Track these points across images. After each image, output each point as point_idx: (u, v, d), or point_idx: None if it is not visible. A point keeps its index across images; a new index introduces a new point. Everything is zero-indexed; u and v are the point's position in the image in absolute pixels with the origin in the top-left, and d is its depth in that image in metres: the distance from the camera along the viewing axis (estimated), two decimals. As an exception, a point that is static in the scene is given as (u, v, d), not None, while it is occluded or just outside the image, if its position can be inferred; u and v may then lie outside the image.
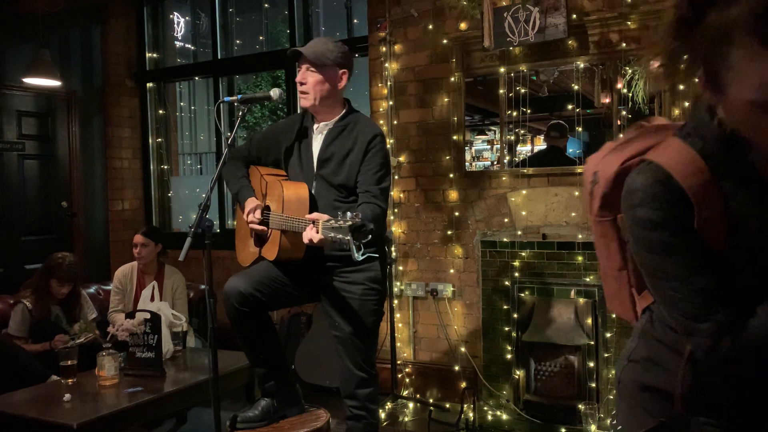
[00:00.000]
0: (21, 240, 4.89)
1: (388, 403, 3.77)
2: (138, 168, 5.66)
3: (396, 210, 4.06)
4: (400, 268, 4.05)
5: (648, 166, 0.97)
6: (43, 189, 5.06)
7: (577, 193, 3.48)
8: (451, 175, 3.87)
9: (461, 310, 3.88)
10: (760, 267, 0.93)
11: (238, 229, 2.52)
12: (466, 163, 3.89)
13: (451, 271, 3.89)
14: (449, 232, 3.89)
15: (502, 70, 3.69)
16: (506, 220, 3.70)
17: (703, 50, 0.91)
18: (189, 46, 6.44)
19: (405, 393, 3.95)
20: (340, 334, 2.27)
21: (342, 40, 4.67)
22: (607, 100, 3.47)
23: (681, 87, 1.03)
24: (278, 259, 2.23)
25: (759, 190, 0.93)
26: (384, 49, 4.03)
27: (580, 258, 3.34)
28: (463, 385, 3.71)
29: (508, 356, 3.57)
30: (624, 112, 3.37)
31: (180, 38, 6.38)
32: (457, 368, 3.83)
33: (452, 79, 3.84)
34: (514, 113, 3.67)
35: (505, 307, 3.59)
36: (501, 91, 3.71)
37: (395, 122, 4.04)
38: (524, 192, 3.65)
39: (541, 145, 3.82)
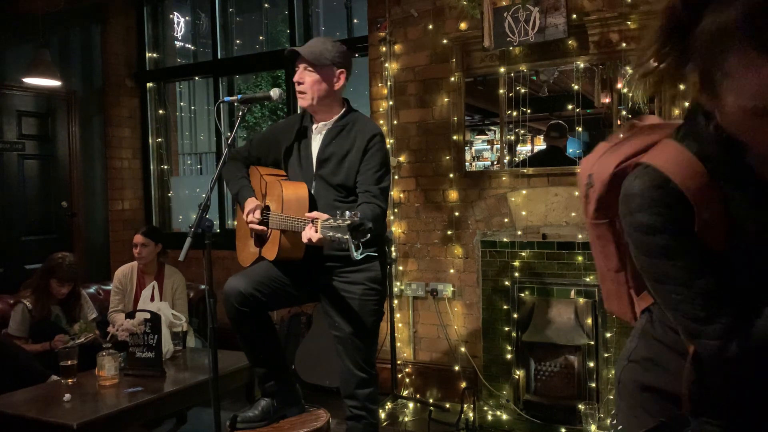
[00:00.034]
0: (21, 240, 4.89)
1: (388, 403, 3.77)
2: (138, 168, 5.66)
3: (396, 210, 4.06)
4: (400, 268, 4.05)
5: (645, 170, 0.96)
6: (43, 189, 5.06)
7: (577, 193, 3.48)
8: (451, 175, 3.87)
9: (461, 310, 3.88)
10: (759, 268, 0.93)
11: (239, 230, 2.52)
12: (466, 163, 3.89)
13: (451, 271, 3.89)
14: (449, 232, 3.89)
15: (502, 70, 3.69)
16: (506, 220, 3.70)
17: (699, 55, 0.90)
18: (189, 46, 6.44)
19: (405, 393, 3.95)
20: (340, 334, 2.27)
21: (342, 40, 4.67)
22: (607, 100, 3.47)
23: (681, 87, 1.01)
24: (278, 259, 2.23)
25: (757, 191, 0.93)
26: (384, 49, 4.03)
27: (580, 258, 3.34)
28: (463, 385, 3.71)
29: (508, 356, 3.57)
30: (624, 112, 3.37)
31: (180, 38, 6.38)
32: (457, 368, 3.83)
33: (452, 79, 3.84)
34: (514, 113, 3.67)
35: (505, 307, 3.59)
36: (501, 91, 3.71)
37: (395, 122, 4.04)
38: (524, 192, 3.65)
39: (541, 145, 3.82)
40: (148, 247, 3.74)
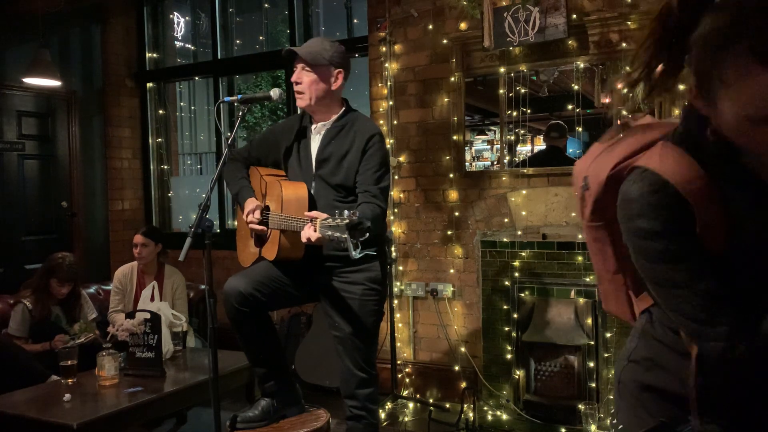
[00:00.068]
0: (21, 240, 4.89)
1: (388, 403, 3.77)
2: (138, 168, 5.66)
3: (396, 210, 4.06)
4: (400, 268, 4.05)
5: (642, 174, 0.95)
6: (43, 189, 5.06)
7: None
8: (451, 175, 3.87)
9: (461, 310, 3.88)
10: (758, 269, 0.93)
11: (239, 230, 2.52)
12: (466, 163, 3.89)
13: (451, 271, 3.89)
14: (449, 232, 3.89)
15: (502, 70, 3.69)
16: (506, 220, 3.70)
17: (694, 61, 0.89)
18: (189, 46, 6.44)
19: (405, 393, 3.96)
20: (340, 334, 2.27)
21: (342, 40, 4.68)
22: (607, 100, 3.46)
23: (681, 87, 1.00)
24: (278, 259, 2.23)
25: (756, 192, 0.92)
26: (384, 49, 4.03)
27: (580, 258, 3.34)
28: (463, 385, 3.71)
29: (508, 356, 3.57)
30: (624, 112, 3.37)
31: (180, 38, 6.38)
32: (457, 368, 3.83)
33: (452, 79, 3.84)
34: (514, 113, 3.67)
35: (505, 307, 3.59)
36: (501, 91, 3.71)
37: (395, 122, 4.04)
38: (524, 192, 3.65)
39: (540, 145, 3.82)
40: (148, 247, 3.74)
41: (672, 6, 0.90)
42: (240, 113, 2.26)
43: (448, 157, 3.88)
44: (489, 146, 4.00)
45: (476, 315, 3.76)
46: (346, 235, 1.76)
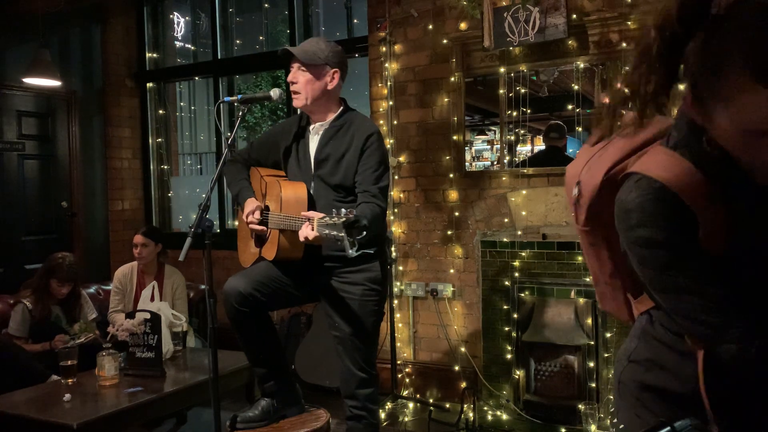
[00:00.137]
0: (21, 240, 4.89)
1: (388, 403, 3.77)
2: (138, 168, 5.66)
3: (396, 210, 4.06)
4: (400, 268, 4.05)
5: (639, 182, 0.93)
6: (43, 189, 5.06)
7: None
8: (451, 175, 3.87)
9: (461, 310, 3.88)
10: (759, 269, 0.93)
11: (240, 230, 2.52)
12: (466, 163, 3.89)
13: (451, 271, 3.89)
14: (449, 232, 3.89)
15: (502, 70, 3.69)
16: (506, 220, 3.70)
17: (690, 73, 0.88)
18: (189, 46, 6.44)
19: (405, 393, 3.96)
20: (340, 334, 2.27)
21: (342, 40, 4.68)
22: (607, 100, 3.46)
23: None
24: (277, 259, 2.23)
25: (755, 193, 0.92)
26: (384, 49, 4.03)
27: (580, 258, 3.34)
28: (463, 385, 3.71)
29: (508, 356, 3.57)
30: (624, 112, 3.36)
31: (180, 38, 6.39)
32: (457, 368, 3.83)
33: (452, 79, 3.84)
34: (514, 113, 3.67)
35: (505, 307, 3.59)
36: (501, 91, 3.71)
37: (395, 122, 4.04)
38: (524, 192, 3.65)
39: (540, 145, 3.82)
40: (148, 247, 3.74)
41: (671, 18, 0.88)
42: (240, 113, 2.26)
43: (448, 157, 3.88)
44: (489, 146, 4.00)
45: (476, 315, 3.76)
46: (342, 234, 1.76)
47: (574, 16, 3.42)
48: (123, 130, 5.55)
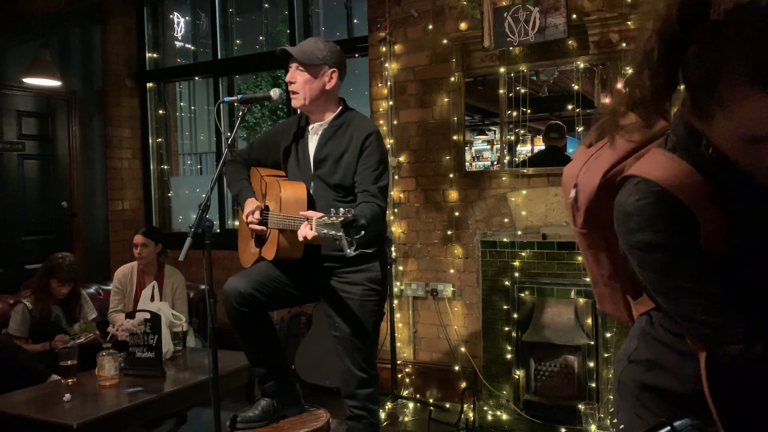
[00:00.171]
0: (21, 240, 4.89)
1: (388, 403, 3.77)
2: (138, 168, 5.66)
3: (396, 210, 4.06)
4: (400, 268, 4.05)
5: (638, 185, 0.92)
6: (43, 189, 5.06)
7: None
8: (451, 175, 3.87)
9: (461, 310, 3.88)
10: (759, 270, 0.93)
11: (240, 231, 2.52)
12: (466, 163, 3.89)
13: (451, 271, 3.89)
14: (449, 232, 3.89)
15: (502, 70, 3.69)
16: (506, 220, 3.70)
17: (690, 77, 0.88)
18: (189, 46, 6.44)
19: (405, 393, 3.96)
20: (340, 334, 2.26)
21: (342, 40, 4.68)
22: (607, 100, 3.46)
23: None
24: (277, 259, 2.23)
25: (755, 193, 0.92)
26: (384, 49, 4.03)
27: (580, 258, 3.34)
28: (463, 385, 3.71)
29: (508, 356, 3.57)
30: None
31: (180, 38, 6.38)
32: (457, 368, 3.83)
33: (452, 79, 3.84)
34: (514, 113, 3.67)
35: (505, 307, 3.59)
36: (501, 91, 3.71)
37: (395, 122, 4.04)
38: (524, 192, 3.65)
39: (540, 145, 3.82)
40: (148, 247, 3.74)
41: (672, 20, 0.88)
42: (240, 113, 2.26)
43: (448, 157, 3.88)
44: (489, 146, 4.00)
45: (476, 315, 3.76)
46: (341, 233, 1.76)
47: (574, 16, 3.42)
48: (123, 130, 5.55)
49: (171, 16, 6.02)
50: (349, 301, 2.24)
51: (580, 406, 3.32)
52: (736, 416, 0.98)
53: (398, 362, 3.94)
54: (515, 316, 3.56)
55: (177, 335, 3.26)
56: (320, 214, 1.89)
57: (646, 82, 0.91)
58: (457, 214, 3.85)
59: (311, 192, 2.27)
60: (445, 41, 3.82)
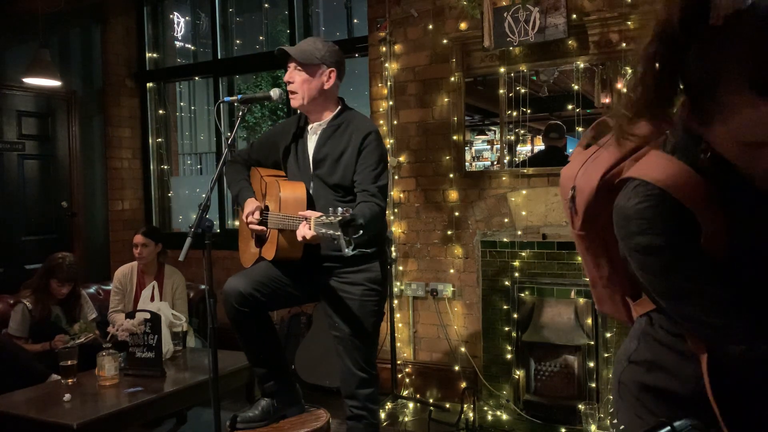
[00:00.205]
0: (21, 240, 4.89)
1: (388, 403, 3.77)
2: (138, 168, 5.66)
3: (396, 210, 4.06)
4: (400, 268, 4.05)
5: (637, 187, 0.92)
6: (43, 189, 5.06)
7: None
8: (451, 175, 3.87)
9: (461, 310, 3.88)
10: (758, 270, 0.93)
11: (241, 231, 2.52)
12: (466, 163, 3.89)
13: (451, 271, 3.89)
14: (449, 232, 3.89)
15: (502, 70, 3.68)
16: (506, 220, 3.70)
17: (690, 81, 0.87)
18: (189, 46, 6.44)
19: (405, 393, 3.95)
20: (340, 334, 2.26)
21: (342, 40, 4.68)
22: (607, 100, 3.46)
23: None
24: (277, 259, 2.23)
25: (754, 194, 0.92)
26: (384, 49, 4.02)
27: (579, 258, 3.32)
28: (463, 385, 3.71)
29: (508, 356, 3.57)
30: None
31: (180, 38, 6.38)
32: (457, 368, 3.83)
33: (452, 79, 3.84)
34: (514, 113, 3.67)
35: (505, 307, 3.59)
36: (501, 91, 3.71)
37: (395, 122, 4.04)
38: (524, 192, 3.65)
39: (540, 145, 3.82)
40: (149, 247, 3.74)
41: (673, 25, 0.87)
42: (240, 113, 2.26)
43: (448, 157, 3.88)
44: (489, 146, 4.00)
45: (476, 315, 3.76)
46: (339, 233, 1.76)
47: (574, 16, 3.42)
48: (123, 130, 5.55)
49: (171, 16, 6.02)
50: (349, 301, 2.24)
51: (580, 406, 3.32)
52: (738, 416, 0.98)
53: (398, 362, 3.94)
54: (515, 316, 3.56)
55: (177, 335, 3.26)
56: (318, 214, 1.89)
57: (649, 85, 0.91)
58: (457, 214, 3.85)
59: (311, 192, 2.27)
60: (445, 41, 3.82)
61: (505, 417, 3.53)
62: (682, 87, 0.91)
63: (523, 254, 3.51)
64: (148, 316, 2.89)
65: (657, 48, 0.89)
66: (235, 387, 3.10)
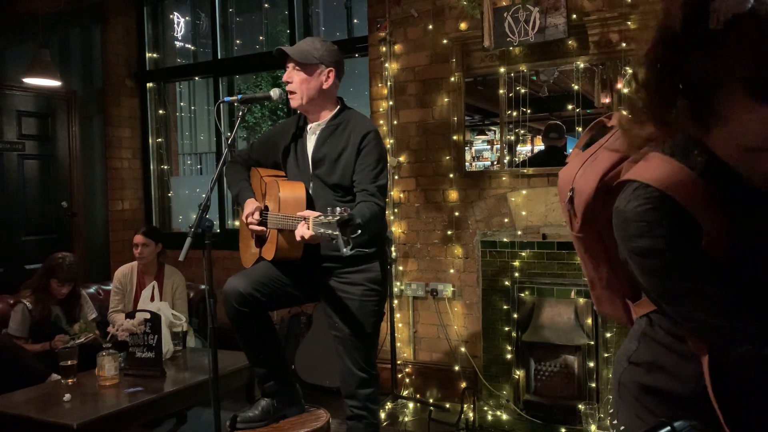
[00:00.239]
0: (21, 240, 4.89)
1: (388, 403, 3.77)
2: (138, 168, 5.66)
3: (396, 210, 4.06)
4: (400, 268, 4.05)
5: (636, 190, 0.91)
6: (43, 189, 5.06)
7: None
8: (451, 175, 3.87)
9: (461, 310, 3.88)
10: (758, 271, 0.93)
11: (241, 231, 2.53)
12: (466, 163, 3.89)
13: (451, 271, 3.89)
14: (449, 232, 3.89)
15: (502, 70, 3.69)
16: (506, 220, 3.70)
17: (688, 88, 0.87)
18: (189, 46, 6.44)
19: (405, 393, 3.95)
20: (340, 334, 2.26)
21: (342, 40, 4.68)
22: (607, 100, 3.47)
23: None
24: (276, 259, 2.23)
25: (753, 196, 0.91)
26: (384, 49, 4.02)
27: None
28: (463, 385, 3.71)
29: (508, 356, 3.57)
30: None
31: (180, 38, 6.38)
32: (457, 368, 3.83)
33: (452, 79, 3.84)
34: (514, 113, 3.67)
35: (505, 307, 3.59)
36: (501, 91, 3.71)
37: (395, 122, 4.04)
38: (524, 192, 3.65)
39: (540, 145, 3.82)
40: (149, 247, 3.74)
41: (675, 29, 0.87)
42: (240, 113, 2.26)
43: (448, 157, 3.88)
44: (489, 146, 4.00)
45: (476, 315, 3.76)
46: (337, 233, 1.76)
47: (574, 16, 3.42)
48: (123, 130, 5.55)
49: (171, 16, 6.02)
50: (348, 301, 2.24)
51: (580, 406, 3.32)
52: (740, 417, 0.98)
53: (398, 362, 3.94)
54: (515, 316, 3.56)
55: (177, 335, 3.26)
56: (317, 214, 1.89)
57: (652, 88, 0.91)
58: (457, 214, 3.86)
59: (310, 192, 2.27)
60: (445, 41, 3.82)
61: (505, 417, 3.53)
62: (681, 89, 0.91)
63: (523, 254, 3.51)
64: (148, 316, 2.89)
65: (658, 49, 0.89)
66: (235, 387, 3.10)
